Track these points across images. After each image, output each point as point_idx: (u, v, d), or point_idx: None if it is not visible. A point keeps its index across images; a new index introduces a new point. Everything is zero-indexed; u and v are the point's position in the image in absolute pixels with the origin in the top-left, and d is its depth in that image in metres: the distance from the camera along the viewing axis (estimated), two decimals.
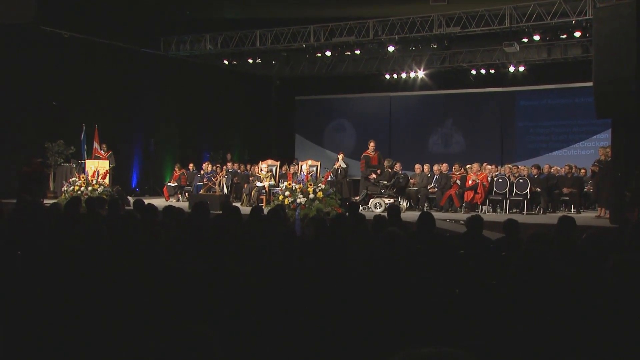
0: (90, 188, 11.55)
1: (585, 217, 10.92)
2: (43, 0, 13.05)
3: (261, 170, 13.44)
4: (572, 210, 11.81)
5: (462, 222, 7.03)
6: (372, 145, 13.04)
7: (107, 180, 12.20)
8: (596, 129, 15.51)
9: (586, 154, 15.61)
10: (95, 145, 12.94)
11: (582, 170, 13.22)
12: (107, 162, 12.75)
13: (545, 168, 12.76)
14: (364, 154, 13.09)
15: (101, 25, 14.36)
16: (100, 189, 11.59)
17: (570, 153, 16.15)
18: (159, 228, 4.14)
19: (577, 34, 12.98)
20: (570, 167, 12.62)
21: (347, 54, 15.77)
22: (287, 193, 10.34)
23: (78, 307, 2.92)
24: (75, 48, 14.24)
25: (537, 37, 13.33)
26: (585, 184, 12.73)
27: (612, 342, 2.47)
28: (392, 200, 11.55)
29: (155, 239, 3.69)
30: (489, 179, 11.93)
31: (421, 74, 17.70)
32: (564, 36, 13.44)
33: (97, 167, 12.15)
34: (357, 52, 15.25)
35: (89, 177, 11.82)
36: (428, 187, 12.39)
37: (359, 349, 2.55)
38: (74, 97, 14.25)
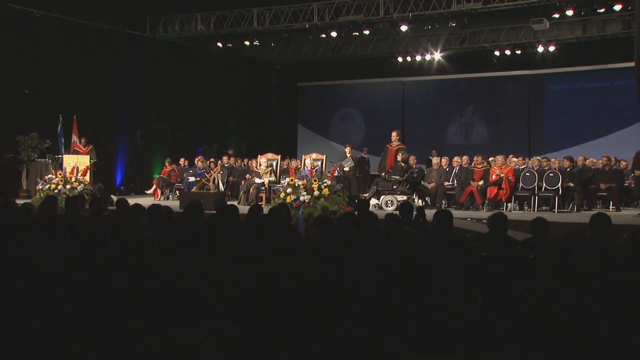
0: (68, 186, 11.60)
1: (627, 215, 10.88)
2: None
3: (260, 165, 13.48)
4: (611, 207, 11.78)
5: (484, 221, 7.04)
6: (394, 135, 13.09)
7: (87, 178, 12.25)
8: (637, 116, 15.44)
9: (626, 143, 15.54)
10: (74, 138, 12.98)
11: (622, 162, 13.14)
12: (88, 157, 12.80)
13: (579, 160, 12.70)
14: (386, 146, 13.18)
15: (78, 2, 14.37)
16: (80, 187, 11.64)
17: (608, 142, 16.08)
18: (145, 230, 4.16)
19: (617, 7, 12.92)
20: (609, 159, 12.54)
21: (355, 35, 15.77)
22: (289, 190, 10.35)
23: (56, 317, 2.95)
24: (49, 29, 14.27)
25: (570, 12, 13.27)
26: (625, 178, 12.67)
27: None
28: (405, 197, 11.56)
29: (142, 243, 3.71)
30: (515, 173, 11.91)
31: (438, 56, 17.68)
32: (602, 10, 13.37)
33: (77, 162, 12.19)
34: (366, 32, 15.25)
35: (67, 174, 11.86)
36: (445, 183, 12.38)
37: None
38: (49, 84, 14.31)
